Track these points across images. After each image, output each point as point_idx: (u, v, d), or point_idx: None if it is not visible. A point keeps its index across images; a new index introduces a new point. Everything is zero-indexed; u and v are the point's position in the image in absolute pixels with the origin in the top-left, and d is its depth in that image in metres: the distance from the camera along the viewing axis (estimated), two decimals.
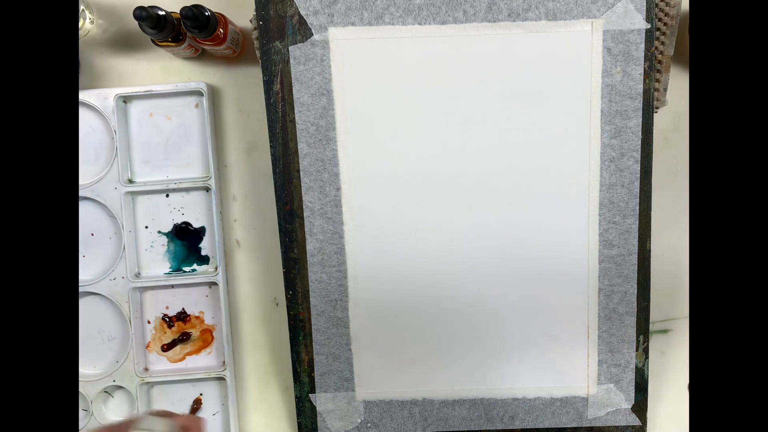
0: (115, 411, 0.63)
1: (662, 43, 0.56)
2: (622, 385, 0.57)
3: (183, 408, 0.63)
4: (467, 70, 0.53)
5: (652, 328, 0.62)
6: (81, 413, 0.62)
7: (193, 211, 0.62)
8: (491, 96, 0.54)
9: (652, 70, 0.53)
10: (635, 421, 0.58)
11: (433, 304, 0.56)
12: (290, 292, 0.57)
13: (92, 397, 0.61)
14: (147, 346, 0.63)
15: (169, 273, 0.62)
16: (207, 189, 0.61)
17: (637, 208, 0.54)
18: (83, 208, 0.61)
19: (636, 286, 0.56)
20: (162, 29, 0.54)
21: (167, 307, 0.62)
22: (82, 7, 0.59)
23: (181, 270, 0.62)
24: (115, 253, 0.61)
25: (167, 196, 0.62)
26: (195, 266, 0.62)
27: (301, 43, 0.53)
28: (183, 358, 0.63)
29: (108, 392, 0.63)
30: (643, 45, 0.52)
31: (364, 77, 0.54)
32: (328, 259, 0.56)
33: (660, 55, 0.56)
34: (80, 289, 0.61)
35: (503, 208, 0.55)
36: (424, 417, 0.58)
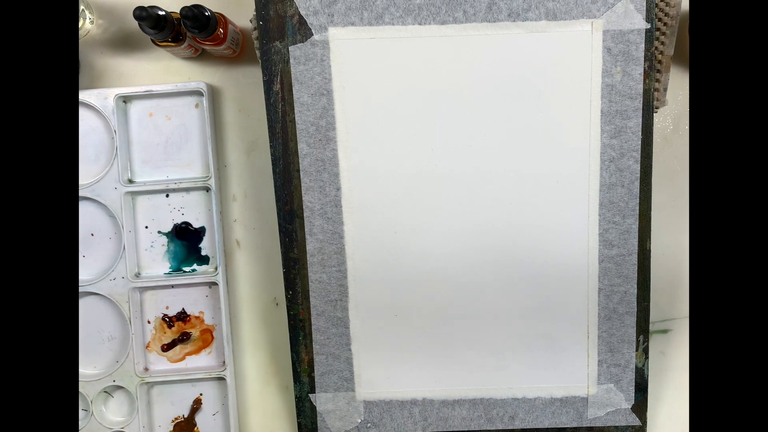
0: (115, 411, 0.63)
1: (662, 43, 0.56)
2: (622, 385, 0.57)
3: (183, 408, 0.63)
4: (467, 70, 0.53)
5: (652, 328, 0.62)
6: (81, 413, 0.62)
7: (193, 211, 0.62)
8: (491, 96, 0.54)
9: (652, 70, 0.53)
10: (635, 421, 0.58)
11: (433, 304, 0.56)
12: (290, 292, 0.57)
13: (92, 397, 0.61)
14: (147, 346, 0.63)
15: (169, 273, 0.62)
16: (207, 189, 0.61)
17: (637, 208, 0.54)
18: (83, 208, 0.61)
19: (636, 286, 0.56)
20: (162, 29, 0.54)
21: (167, 307, 0.62)
22: (82, 7, 0.59)
23: (181, 270, 0.62)
24: (115, 253, 0.61)
25: (167, 196, 0.62)
26: (195, 266, 0.62)
27: (301, 43, 0.53)
28: (183, 358, 0.63)
29: (108, 392, 0.63)
30: (643, 45, 0.52)
31: (364, 77, 0.54)
32: (328, 259, 0.56)
33: (660, 55, 0.56)
34: (80, 289, 0.61)
35: (503, 208, 0.55)
36: (424, 417, 0.58)
